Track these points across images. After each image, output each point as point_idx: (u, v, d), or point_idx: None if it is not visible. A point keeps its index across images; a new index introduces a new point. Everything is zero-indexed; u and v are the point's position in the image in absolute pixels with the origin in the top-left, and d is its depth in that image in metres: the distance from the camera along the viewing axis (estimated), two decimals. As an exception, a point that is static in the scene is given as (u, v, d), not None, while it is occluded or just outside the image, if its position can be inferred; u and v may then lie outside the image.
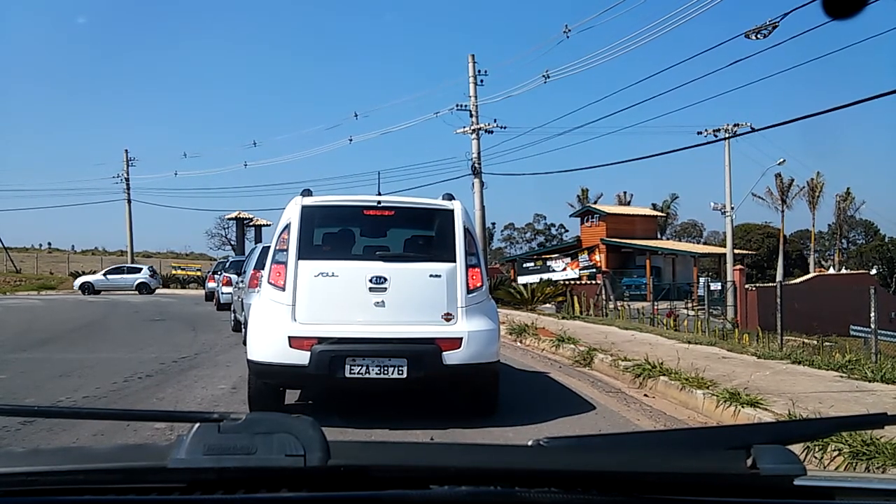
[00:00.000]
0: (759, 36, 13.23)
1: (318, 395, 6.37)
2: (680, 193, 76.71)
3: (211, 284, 23.69)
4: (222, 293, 18.72)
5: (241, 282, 12.45)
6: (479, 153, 24.98)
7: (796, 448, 1.27)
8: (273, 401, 5.46)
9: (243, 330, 11.14)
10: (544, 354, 10.10)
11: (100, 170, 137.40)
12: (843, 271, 46.47)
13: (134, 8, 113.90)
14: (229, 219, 44.85)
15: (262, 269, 5.66)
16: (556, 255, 38.71)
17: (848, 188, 59.85)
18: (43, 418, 5.01)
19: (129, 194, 43.84)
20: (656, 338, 10.82)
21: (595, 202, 51.10)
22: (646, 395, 6.62)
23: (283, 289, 5.18)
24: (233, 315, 13.45)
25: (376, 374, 4.97)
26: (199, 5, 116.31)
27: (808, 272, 48.41)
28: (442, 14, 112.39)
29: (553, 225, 70.75)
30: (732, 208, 31.22)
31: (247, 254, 18.27)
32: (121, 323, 15.89)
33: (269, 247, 5.86)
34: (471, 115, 25.16)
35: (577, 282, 33.10)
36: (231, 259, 21.57)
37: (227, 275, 18.67)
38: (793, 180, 53.27)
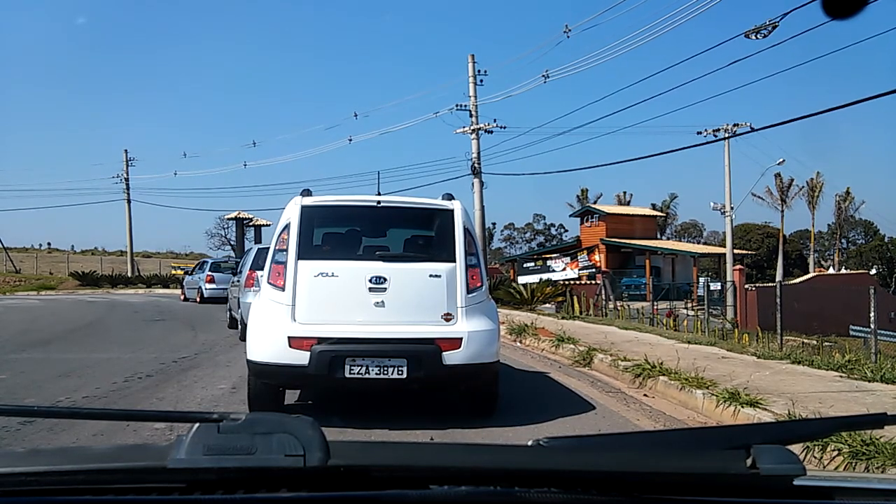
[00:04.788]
0: (759, 36, 13.24)
1: (318, 395, 6.38)
2: (680, 193, 76.88)
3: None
4: (206, 289, 22.27)
5: (237, 281, 12.59)
6: (478, 153, 24.96)
7: (796, 448, 1.27)
8: (273, 401, 5.46)
9: (239, 327, 11.24)
10: (544, 354, 10.09)
11: (99, 170, 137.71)
12: (843, 271, 46.54)
13: (134, 8, 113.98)
14: (229, 219, 44.72)
15: (258, 269, 5.67)
16: (555, 255, 38.73)
17: (848, 188, 59.93)
18: (43, 418, 5.01)
19: (128, 194, 43.75)
20: (656, 338, 10.81)
21: (595, 202, 51.10)
22: (645, 395, 6.62)
23: (283, 289, 5.18)
24: (228, 313, 13.83)
25: (376, 374, 4.97)
26: (199, 5, 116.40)
27: (807, 272, 48.44)
28: (442, 14, 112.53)
29: (553, 225, 70.84)
30: (732, 208, 31.25)
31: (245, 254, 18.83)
32: (120, 323, 15.87)
33: (265, 248, 5.86)
34: (470, 115, 25.14)
35: (577, 282, 33.12)
36: (209, 262, 24.31)
37: (209, 273, 22.50)
38: (793, 180, 53.37)
